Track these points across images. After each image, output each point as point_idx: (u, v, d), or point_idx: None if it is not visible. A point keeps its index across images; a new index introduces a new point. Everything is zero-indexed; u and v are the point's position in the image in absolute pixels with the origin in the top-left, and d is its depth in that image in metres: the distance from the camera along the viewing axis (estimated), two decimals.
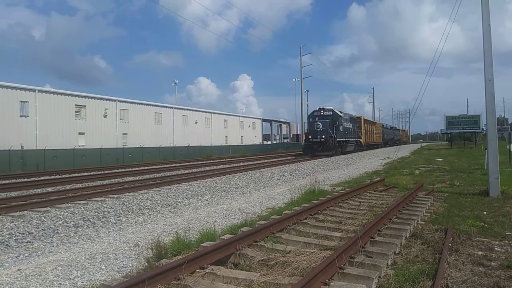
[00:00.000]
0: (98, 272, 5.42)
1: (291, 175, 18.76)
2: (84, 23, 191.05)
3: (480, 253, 5.77)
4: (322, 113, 34.54)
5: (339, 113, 35.78)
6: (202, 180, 15.52)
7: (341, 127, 35.16)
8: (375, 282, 4.42)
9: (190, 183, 14.72)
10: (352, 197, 10.49)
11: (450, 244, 6.03)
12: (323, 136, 32.48)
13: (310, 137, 33.76)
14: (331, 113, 34.58)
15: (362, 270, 4.65)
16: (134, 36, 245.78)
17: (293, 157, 32.95)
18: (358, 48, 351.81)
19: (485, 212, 8.92)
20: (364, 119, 47.31)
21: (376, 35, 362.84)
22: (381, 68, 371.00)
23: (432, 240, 6.18)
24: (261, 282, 4.35)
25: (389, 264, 5.13)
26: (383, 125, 66.03)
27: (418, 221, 7.68)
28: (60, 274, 5.32)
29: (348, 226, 7.07)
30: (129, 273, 5.19)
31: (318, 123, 33.51)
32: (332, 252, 5.09)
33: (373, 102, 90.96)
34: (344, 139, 36.04)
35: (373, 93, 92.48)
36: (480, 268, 5.10)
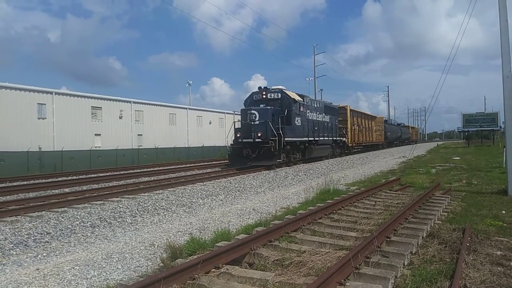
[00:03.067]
0: (114, 272, 5.49)
1: (305, 174, 18.69)
2: (99, 25, 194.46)
3: (499, 253, 5.66)
4: (264, 97, 21.19)
5: (295, 97, 22.03)
6: (216, 180, 15.56)
7: (298, 118, 21.95)
8: (392, 282, 4.38)
9: (204, 183, 14.77)
10: (367, 197, 10.40)
11: (468, 244, 5.92)
12: (259, 134, 19.37)
13: (238, 135, 20.29)
14: (279, 95, 21.15)
15: (378, 270, 4.61)
16: (148, 38, 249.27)
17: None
18: (374, 45, 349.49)
19: (503, 211, 8.75)
20: (351, 109, 34.06)
21: (392, 32, 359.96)
22: (397, 66, 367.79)
23: (450, 240, 6.08)
24: (276, 282, 4.34)
25: (405, 264, 5.07)
26: (385, 121, 53.35)
27: (435, 220, 7.58)
28: (77, 273, 5.40)
29: (363, 225, 7.01)
30: (145, 273, 5.24)
31: (254, 112, 19.77)
32: (348, 252, 5.05)
33: (388, 101, 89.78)
34: (304, 139, 22.95)
35: (388, 91, 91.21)
36: (499, 268, 5.00)
